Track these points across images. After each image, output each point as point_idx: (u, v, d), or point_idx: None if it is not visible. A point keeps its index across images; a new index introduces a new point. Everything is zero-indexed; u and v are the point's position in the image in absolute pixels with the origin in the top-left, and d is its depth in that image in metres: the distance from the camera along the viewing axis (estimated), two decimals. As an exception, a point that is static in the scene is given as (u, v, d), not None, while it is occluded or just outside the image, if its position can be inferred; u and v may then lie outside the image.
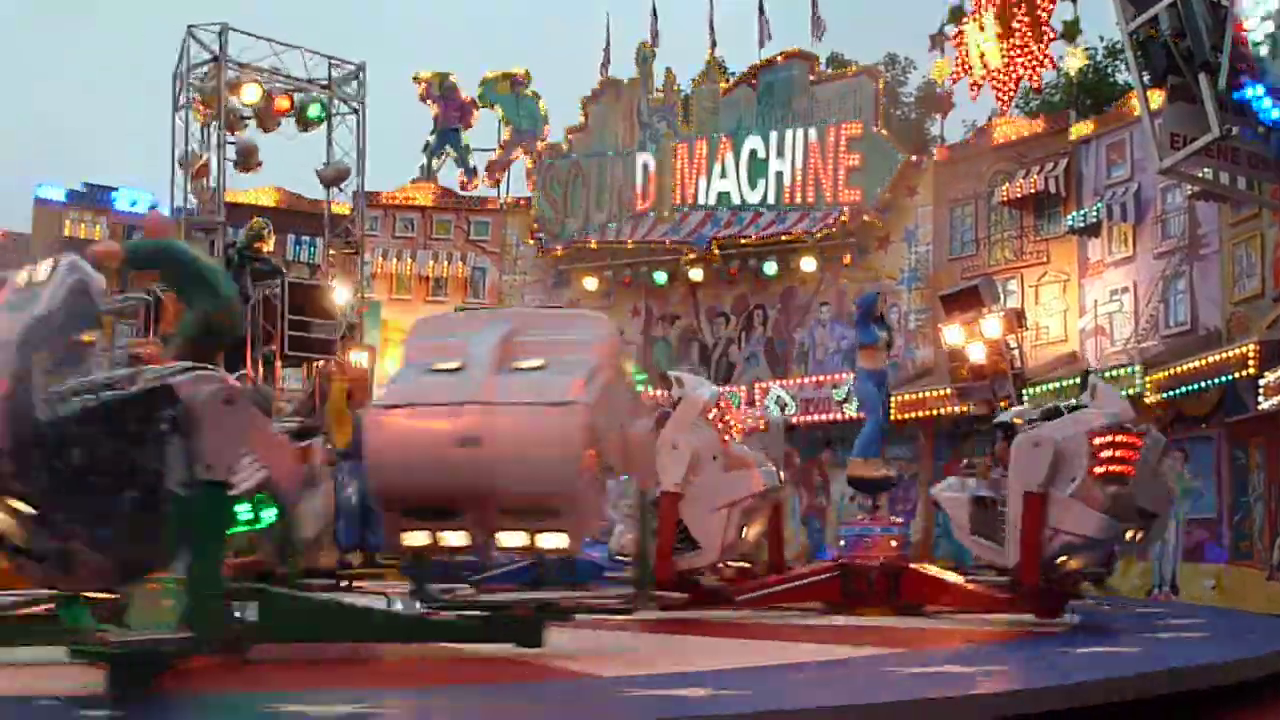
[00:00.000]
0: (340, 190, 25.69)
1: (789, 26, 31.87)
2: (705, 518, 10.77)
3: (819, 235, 29.25)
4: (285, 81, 24.12)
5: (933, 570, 12.24)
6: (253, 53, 23.61)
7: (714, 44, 32.16)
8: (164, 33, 26.29)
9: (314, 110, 24.27)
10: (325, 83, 24.41)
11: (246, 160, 23.31)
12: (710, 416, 11.15)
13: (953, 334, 21.15)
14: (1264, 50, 13.61)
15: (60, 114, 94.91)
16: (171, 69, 23.75)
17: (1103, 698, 5.30)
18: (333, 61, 24.59)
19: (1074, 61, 27.78)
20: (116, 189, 29.60)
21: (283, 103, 23.85)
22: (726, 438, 11.34)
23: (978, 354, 20.43)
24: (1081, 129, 25.96)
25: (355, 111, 23.67)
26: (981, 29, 27.82)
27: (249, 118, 23.69)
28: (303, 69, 24.49)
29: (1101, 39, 32.52)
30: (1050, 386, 22.54)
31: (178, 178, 23.46)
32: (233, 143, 22.99)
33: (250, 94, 22.98)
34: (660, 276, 30.76)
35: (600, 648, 7.54)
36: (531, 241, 32.37)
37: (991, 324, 20.49)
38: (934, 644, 8.58)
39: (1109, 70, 33.48)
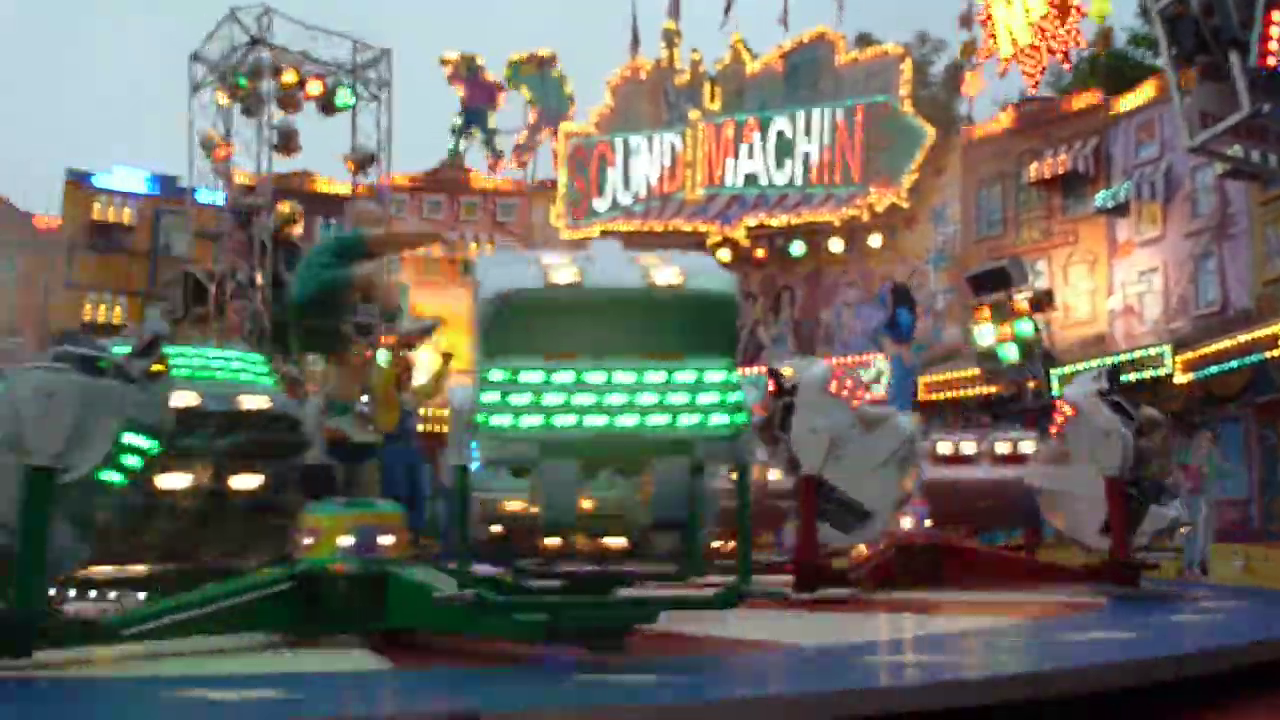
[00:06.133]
0: (365, 174, 25.73)
1: (814, 6, 31.82)
2: (869, 481, 10.48)
3: (846, 216, 29.25)
4: (313, 65, 24.12)
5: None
6: (280, 36, 23.66)
7: (738, 25, 32.22)
8: (187, 16, 26.32)
9: (341, 98, 24.23)
10: (350, 67, 24.34)
11: (288, 143, 23.33)
12: (832, 389, 10.82)
13: (984, 334, 21.09)
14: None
15: (87, 100, 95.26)
16: (193, 50, 23.79)
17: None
18: (357, 46, 24.50)
19: (1103, 39, 27.76)
20: (96, 173, 29.61)
21: (314, 87, 23.82)
22: (855, 402, 11.09)
23: (1010, 354, 20.28)
24: (1111, 108, 25.89)
25: (377, 99, 23.64)
26: (1010, 6, 27.78)
27: (277, 98, 23.66)
28: (328, 52, 24.47)
29: (1140, 11, 32.27)
30: (1078, 367, 22.52)
31: (195, 158, 23.53)
32: (276, 126, 23.04)
33: (288, 78, 22.99)
34: (688, 258, 30.76)
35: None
36: (559, 223, 32.42)
37: (1025, 325, 20.40)
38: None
39: (1134, 52, 33.24)
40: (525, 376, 5.78)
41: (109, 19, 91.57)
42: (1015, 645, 6.76)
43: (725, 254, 30.28)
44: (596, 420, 5.78)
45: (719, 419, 5.87)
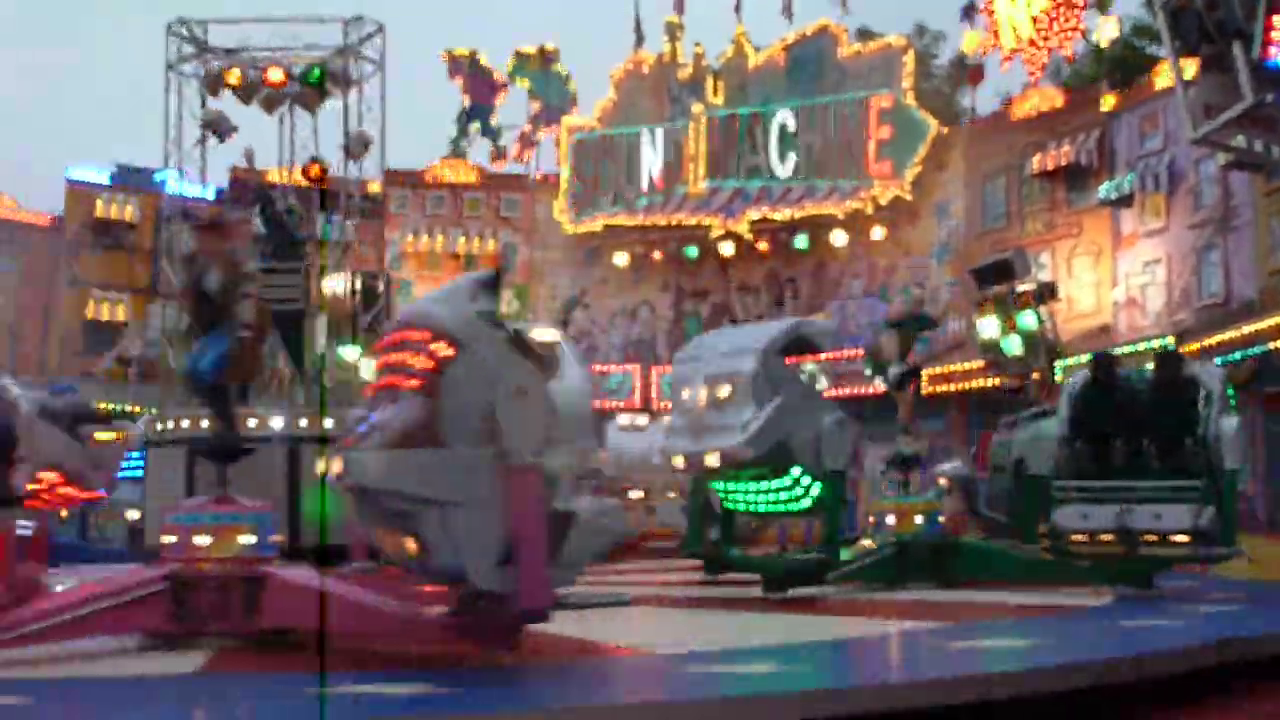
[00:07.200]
0: (360, 161, 25.21)
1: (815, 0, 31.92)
2: None
3: (849, 209, 29.33)
4: (299, 53, 23.34)
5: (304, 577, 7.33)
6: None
7: (742, 18, 32.26)
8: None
9: (313, 75, 23.08)
10: (341, 47, 23.71)
11: (359, 148, 22.99)
12: None
13: (988, 327, 21.09)
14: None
15: (90, 95, 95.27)
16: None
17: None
18: (349, 24, 23.83)
19: (1107, 32, 27.78)
20: (159, 169, 29.73)
21: (275, 74, 22.76)
22: None
23: (1014, 346, 20.31)
24: (1114, 100, 25.91)
25: (353, 82, 22.84)
26: (1014, 1, 27.83)
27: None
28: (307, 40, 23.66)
29: (1144, 2, 32.20)
30: (1081, 359, 22.54)
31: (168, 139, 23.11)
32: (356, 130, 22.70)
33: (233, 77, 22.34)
34: (691, 252, 30.91)
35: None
36: (562, 218, 32.52)
37: (1028, 317, 20.41)
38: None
39: (1137, 43, 33.20)
40: None
41: (109, 19, 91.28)
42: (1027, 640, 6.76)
43: (729, 247, 30.42)
44: None
45: None
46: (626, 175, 32.13)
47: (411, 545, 5.09)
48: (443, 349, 5.00)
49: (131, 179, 29.68)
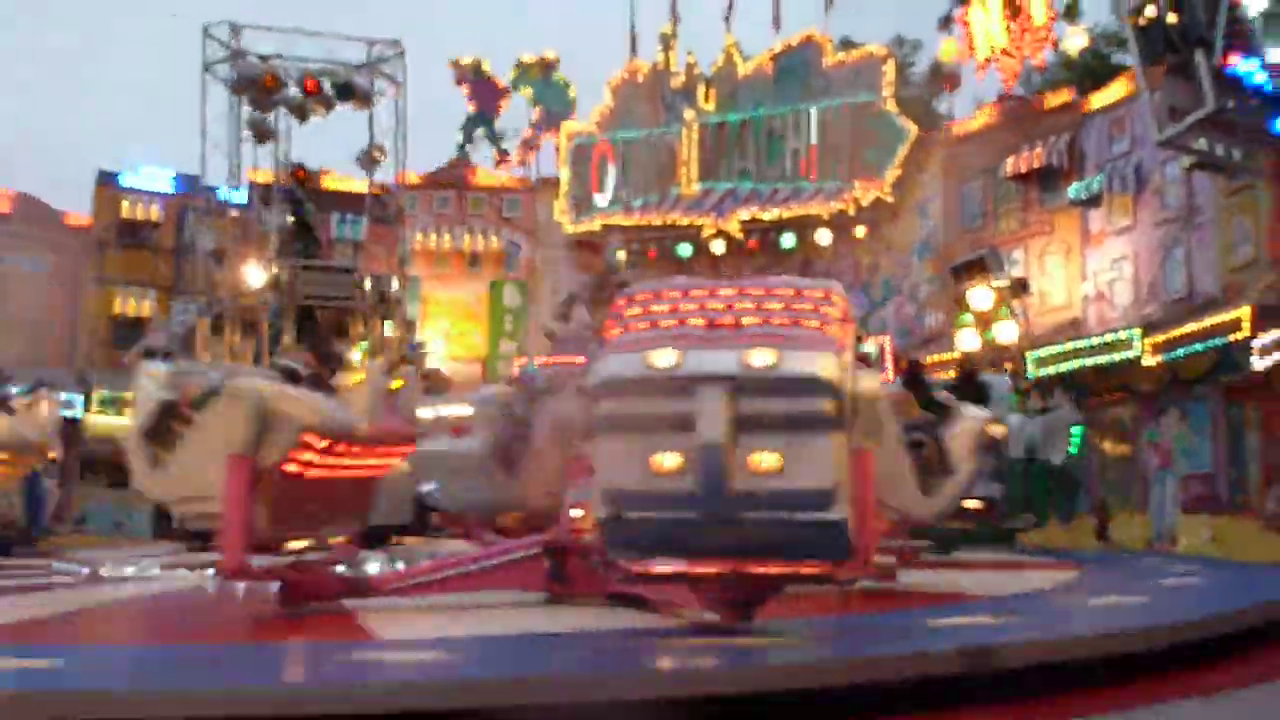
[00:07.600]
0: (376, 168, 26.11)
1: (802, 10, 32.91)
2: None
3: (833, 210, 30.47)
4: (327, 64, 24.45)
5: None
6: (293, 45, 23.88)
7: (731, 29, 33.29)
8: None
9: (328, 87, 23.96)
10: (362, 63, 24.63)
11: (379, 155, 23.79)
12: None
13: (965, 320, 22.29)
14: (1258, 25, 14.68)
15: (117, 99, 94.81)
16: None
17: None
18: (372, 43, 24.89)
19: (1076, 41, 28.83)
20: (121, 171, 30.69)
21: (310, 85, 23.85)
22: None
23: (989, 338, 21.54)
24: (1084, 105, 26.86)
25: (374, 97, 23.60)
26: (986, 10, 28.89)
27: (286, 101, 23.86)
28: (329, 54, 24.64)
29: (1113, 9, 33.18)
30: (1052, 350, 23.52)
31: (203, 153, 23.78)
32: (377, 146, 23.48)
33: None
34: (684, 250, 31.92)
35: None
36: (562, 218, 33.46)
37: (1007, 329, 21.74)
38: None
39: (1105, 48, 34.16)
40: None
41: (137, 19, 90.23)
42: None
43: (720, 246, 31.46)
44: None
45: None
46: (623, 177, 33.16)
47: (772, 459, 4.94)
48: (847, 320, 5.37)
49: (98, 181, 30.43)
